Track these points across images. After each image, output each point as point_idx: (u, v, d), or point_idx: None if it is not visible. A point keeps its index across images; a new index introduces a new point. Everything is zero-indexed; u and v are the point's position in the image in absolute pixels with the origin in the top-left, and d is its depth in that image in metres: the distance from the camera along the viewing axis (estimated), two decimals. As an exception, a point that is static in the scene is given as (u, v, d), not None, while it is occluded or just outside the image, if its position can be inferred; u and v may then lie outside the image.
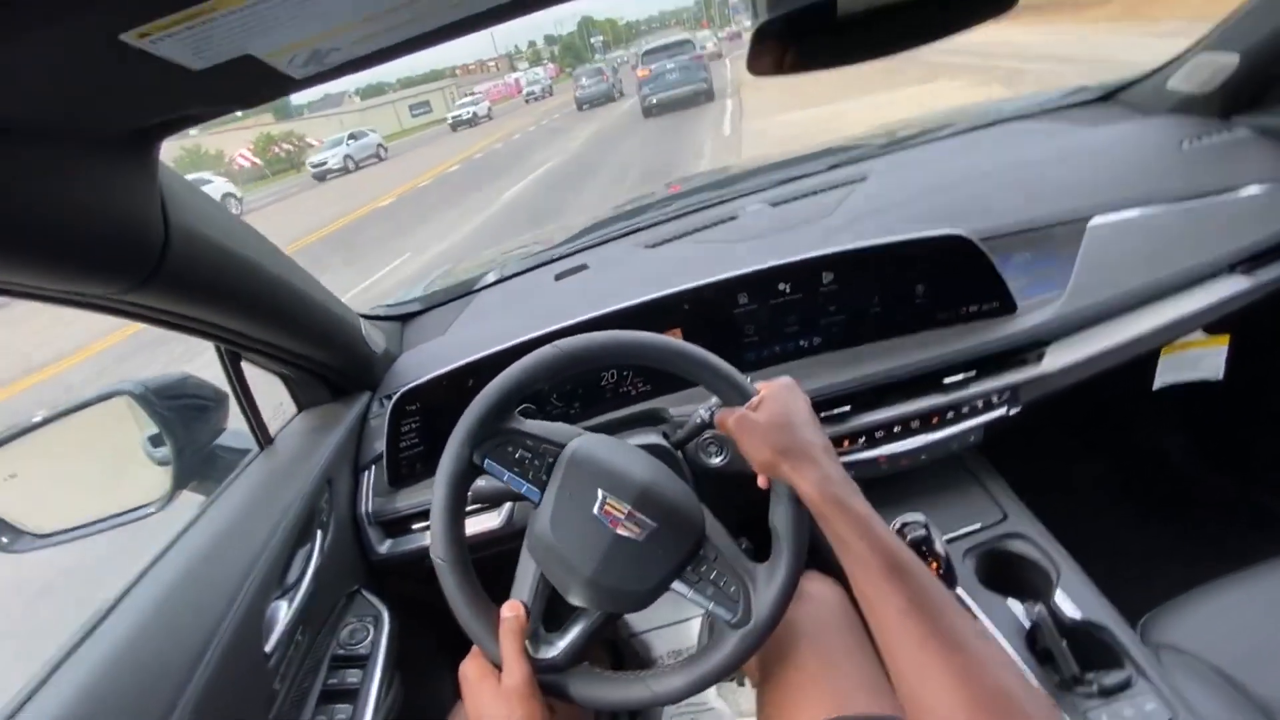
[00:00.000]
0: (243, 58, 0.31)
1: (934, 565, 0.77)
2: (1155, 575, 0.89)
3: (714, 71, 14.57)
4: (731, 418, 0.65)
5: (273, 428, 0.92)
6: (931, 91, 7.98)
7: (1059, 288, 0.94)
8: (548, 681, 0.60)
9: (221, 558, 0.69)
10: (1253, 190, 0.98)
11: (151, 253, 0.48)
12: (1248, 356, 1.01)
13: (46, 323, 7.12)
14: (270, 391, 0.99)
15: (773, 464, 0.60)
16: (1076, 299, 0.91)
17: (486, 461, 0.63)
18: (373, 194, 13.05)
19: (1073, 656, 0.70)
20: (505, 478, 0.63)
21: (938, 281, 0.92)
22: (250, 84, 0.37)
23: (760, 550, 0.67)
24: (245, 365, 0.84)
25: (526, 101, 34.91)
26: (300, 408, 1.00)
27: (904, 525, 0.79)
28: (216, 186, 16.42)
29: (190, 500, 0.88)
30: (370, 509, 0.92)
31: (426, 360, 1.08)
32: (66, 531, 0.82)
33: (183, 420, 0.87)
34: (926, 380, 0.91)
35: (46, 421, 0.79)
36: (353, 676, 0.79)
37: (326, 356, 0.91)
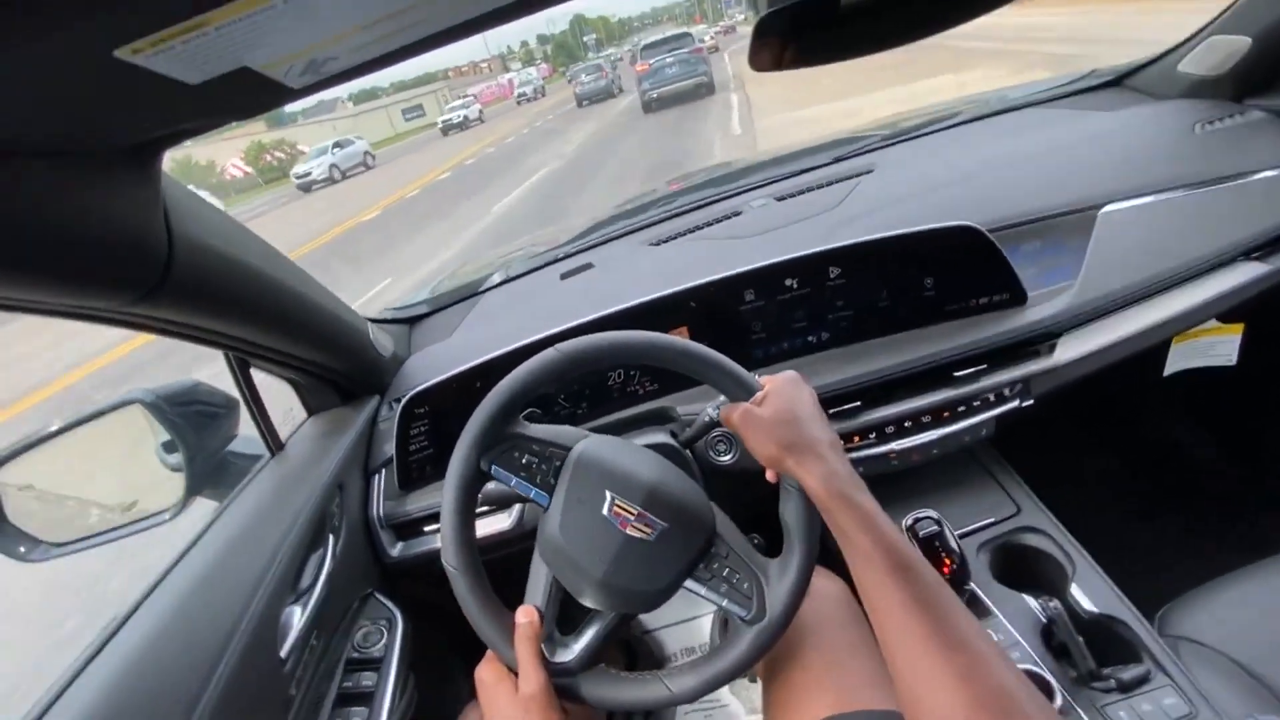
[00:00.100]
0: (239, 70, 0.31)
1: (947, 561, 0.76)
2: (1170, 567, 0.88)
3: (712, 65, 14.27)
4: (736, 413, 0.64)
5: (283, 433, 0.93)
6: (963, 82, 7.48)
7: (1070, 277, 0.92)
8: (564, 685, 0.60)
9: (235, 564, 0.70)
10: (1268, 175, 0.97)
11: (156, 264, 0.48)
12: (1262, 344, 0.99)
13: (57, 336, 7.17)
14: (280, 396, 1.00)
15: (779, 459, 0.60)
16: (1088, 289, 0.90)
17: (494, 468, 0.63)
18: (359, 205, 12.37)
19: (1089, 652, 0.70)
20: (513, 483, 0.63)
21: (947, 274, 0.91)
22: (248, 95, 0.36)
23: (772, 546, 0.66)
24: (255, 372, 0.84)
25: (518, 103, 34.13)
26: (310, 412, 1.00)
27: (916, 522, 0.79)
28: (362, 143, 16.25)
29: (204, 507, 0.89)
30: (381, 512, 0.93)
31: (434, 363, 1.08)
32: (82, 540, 0.82)
33: (194, 427, 0.87)
34: (937, 374, 0.90)
35: (60, 432, 0.80)
36: (368, 679, 0.79)
37: (334, 361, 0.92)
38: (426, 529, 0.93)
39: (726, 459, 0.92)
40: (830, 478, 0.56)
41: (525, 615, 0.61)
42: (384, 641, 0.83)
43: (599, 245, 1.33)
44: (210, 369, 0.88)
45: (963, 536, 0.86)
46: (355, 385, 1.00)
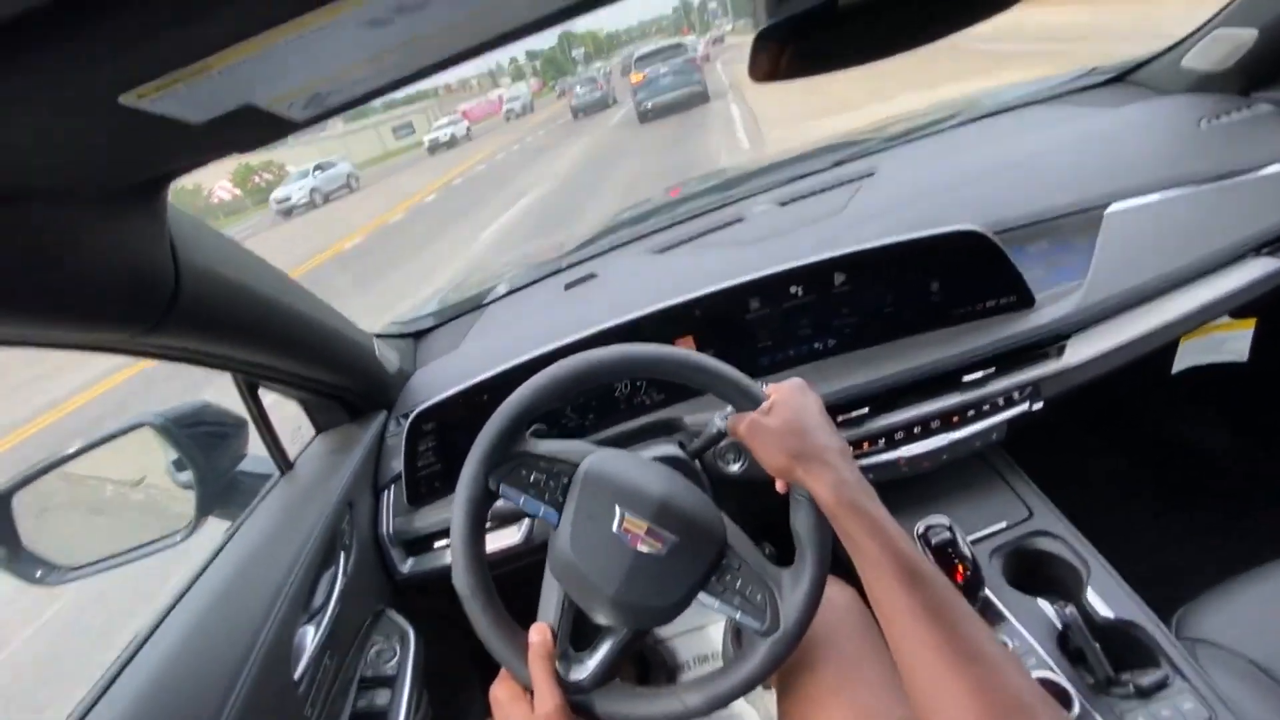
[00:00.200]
0: (243, 108, 0.31)
1: (960, 568, 0.76)
2: (1186, 568, 0.87)
3: (706, 74, 14.05)
4: (743, 424, 0.64)
5: (292, 451, 0.93)
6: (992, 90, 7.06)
7: (1078, 278, 0.92)
8: (580, 702, 0.60)
9: (247, 586, 0.70)
10: (1276, 169, 0.96)
11: (163, 296, 0.49)
12: (1274, 339, 0.98)
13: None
14: (290, 414, 1.00)
15: (787, 468, 0.60)
16: (1096, 290, 0.89)
17: (502, 487, 0.63)
18: (339, 231, 11.48)
19: (1106, 657, 0.69)
20: (521, 501, 0.63)
21: (953, 278, 0.91)
22: (252, 131, 0.37)
23: (784, 555, 0.66)
24: (263, 391, 0.84)
25: (506, 119, 33.32)
26: (318, 430, 1.01)
27: (928, 529, 0.78)
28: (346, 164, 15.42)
29: (216, 526, 0.89)
30: (392, 529, 0.93)
31: (440, 377, 1.08)
32: (96, 564, 0.83)
33: (204, 448, 0.88)
34: (945, 379, 0.90)
35: (71, 456, 0.80)
36: (381, 697, 0.79)
37: (341, 379, 0.92)
38: (437, 545, 0.93)
39: (735, 469, 0.92)
40: (840, 486, 0.56)
41: (538, 634, 0.61)
42: (397, 659, 0.83)
43: (602, 255, 1.33)
44: (221, 379, 0.88)
45: (975, 542, 0.85)
46: (362, 402, 1.00)
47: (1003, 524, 0.88)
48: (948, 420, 0.90)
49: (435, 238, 8.66)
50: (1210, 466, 1.36)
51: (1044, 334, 0.88)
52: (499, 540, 0.92)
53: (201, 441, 0.88)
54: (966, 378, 0.89)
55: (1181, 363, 1.00)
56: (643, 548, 0.60)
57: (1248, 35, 1.02)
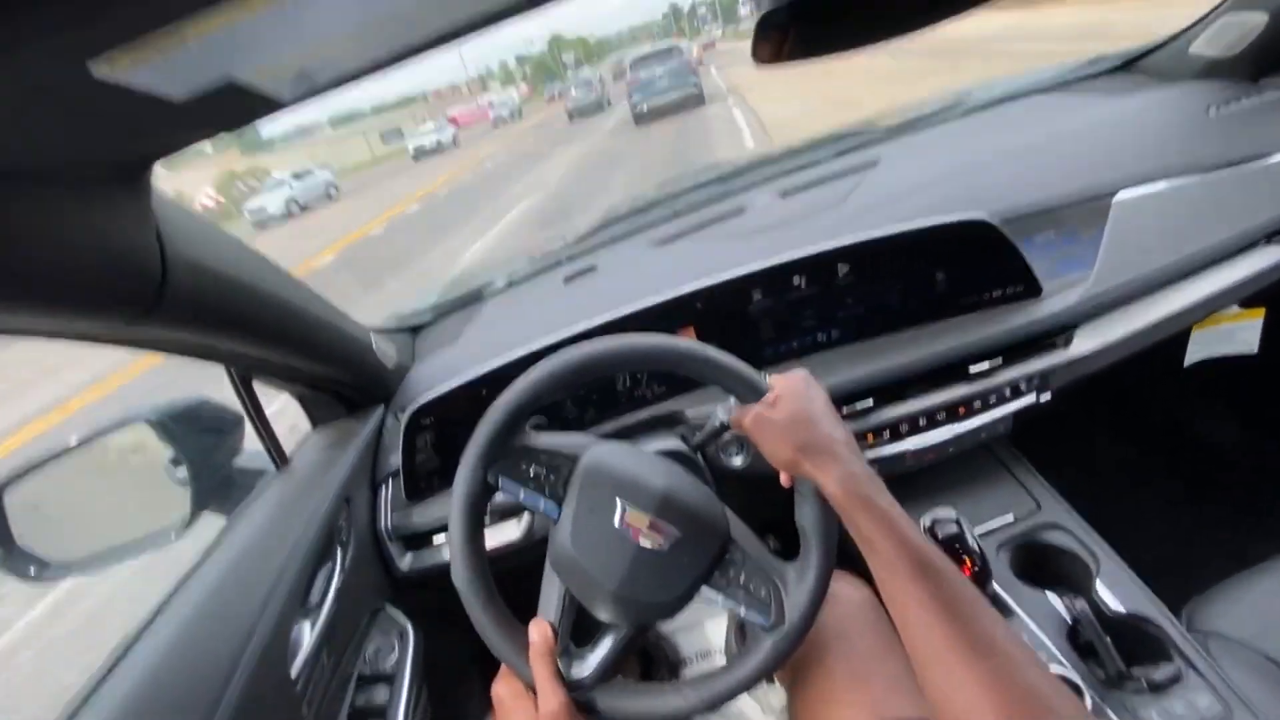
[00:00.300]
0: (226, 84, 0.30)
1: (967, 562, 0.74)
2: (1196, 561, 0.86)
3: (701, 78, 13.78)
4: (748, 417, 0.63)
5: (289, 445, 0.92)
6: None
7: (1085, 267, 0.90)
8: (583, 700, 0.59)
9: (242, 582, 0.69)
10: None
11: (151, 283, 0.47)
12: None
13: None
14: (285, 408, 0.99)
15: (794, 462, 0.58)
16: (1104, 279, 0.88)
17: (501, 480, 0.62)
18: (314, 246, 10.39)
19: (1117, 651, 0.68)
20: (521, 495, 0.62)
21: (959, 267, 0.89)
22: (237, 108, 0.35)
23: (788, 549, 0.65)
24: (258, 385, 0.83)
25: (495, 125, 32.28)
26: (314, 425, 1.00)
27: (935, 522, 0.77)
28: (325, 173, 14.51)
29: (211, 523, 0.88)
30: (390, 524, 0.92)
31: (439, 371, 1.07)
32: (90, 560, 0.82)
33: (199, 444, 0.87)
34: (951, 370, 0.88)
35: (64, 452, 0.79)
36: (380, 695, 0.78)
37: (337, 373, 0.91)
38: (437, 540, 0.92)
39: (738, 462, 0.90)
40: (848, 479, 0.55)
41: (538, 632, 0.60)
42: (396, 656, 0.82)
43: (602, 247, 1.32)
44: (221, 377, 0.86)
45: (982, 536, 0.84)
46: (359, 396, 0.99)
47: (1010, 517, 0.87)
48: (954, 412, 0.89)
49: (415, 255, 7.93)
50: (1220, 460, 1.34)
51: (1051, 324, 0.87)
52: (499, 535, 0.91)
53: (197, 437, 0.87)
54: (973, 368, 0.88)
55: (1193, 356, 0.99)
56: (645, 542, 0.58)
57: (1258, 20, 1.00)
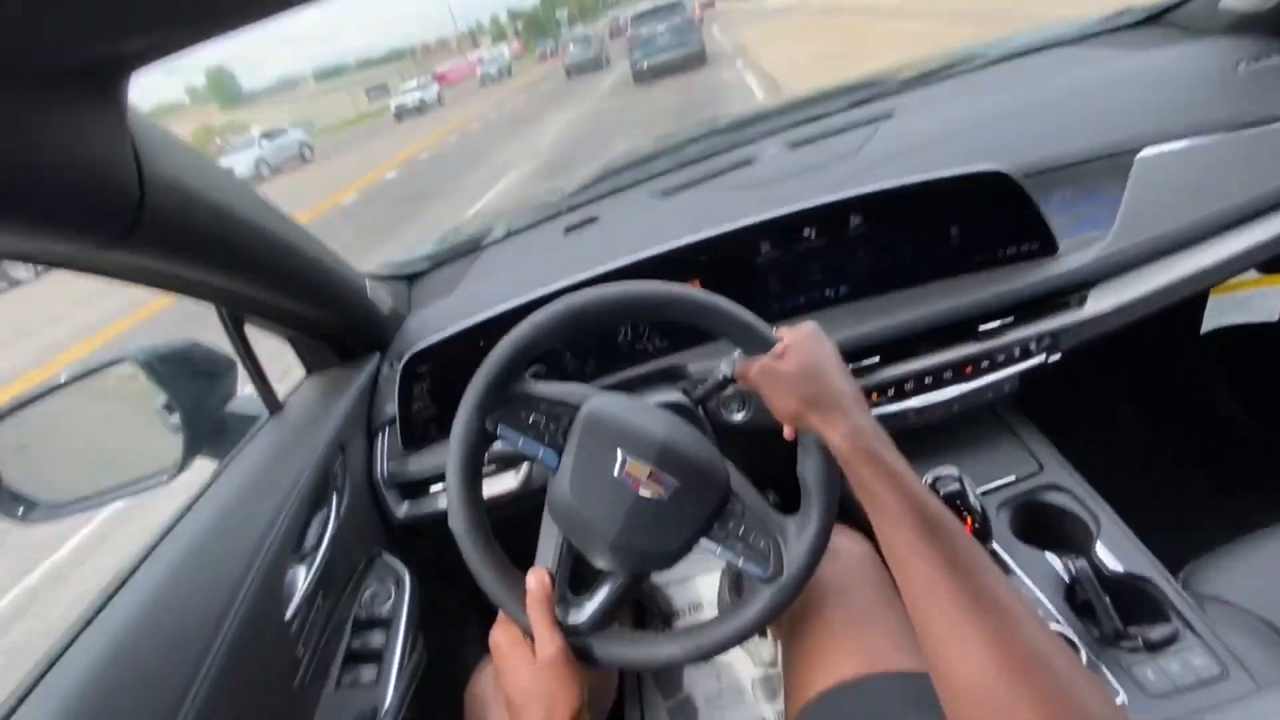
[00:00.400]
0: None
1: (968, 520, 0.74)
2: (1196, 525, 0.86)
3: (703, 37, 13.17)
4: (754, 368, 0.61)
5: (281, 391, 0.90)
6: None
7: (1103, 226, 0.88)
8: (580, 646, 0.59)
9: (235, 526, 0.68)
10: None
11: (127, 205, 0.44)
12: None
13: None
14: (279, 355, 0.97)
15: (800, 415, 0.57)
16: (1123, 237, 0.85)
17: (500, 428, 0.60)
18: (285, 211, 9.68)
19: (1115, 611, 0.68)
20: (520, 443, 0.60)
21: (973, 222, 0.87)
22: (237, 5, 0.32)
23: (787, 504, 0.64)
24: (251, 330, 0.81)
25: (482, 83, 30.01)
26: (308, 371, 0.98)
27: (936, 480, 0.76)
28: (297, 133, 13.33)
29: (203, 467, 0.87)
30: (386, 472, 0.91)
31: (435, 320, 1.04)
32: (79, 501, 0.81)
33: (191, 387, 0.85)
34: (960, 328, 0.86)
35: (51, 390, 0.77)
36: (376, 639, 0.78)
37: (331, 317, 0.88)
38: (433, 488, 0.91)
39: (739, 417, 0.89)
40: (855, 433, 0.54)
41: (536, 579, 0.59)
42: (392, 601, 0.82)
43: (604, 198, 1.28)
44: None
45: (983, 495, 0.83)
46: (354, 343, 0.97)
47: (1012, 477, 0.86)
48: (960, 371, 0.87)
49: (388, 229, 7.19)
50: (1229, 430, 1.33)
51: (1066, 282, 0.85)
52: (496, 485, 0.90)
53: (190, 381, 0.85)
54: (982, 327, 0.86)
55: (1210, 323, 0.97)
56: (644, 492, 0.58)
57: None
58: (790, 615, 0.77)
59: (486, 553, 0.60)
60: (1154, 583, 0.71)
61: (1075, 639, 0.67)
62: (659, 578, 1.36)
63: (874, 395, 0.88)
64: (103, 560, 2.99)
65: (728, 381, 0.73)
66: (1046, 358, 0.87)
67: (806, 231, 0.88)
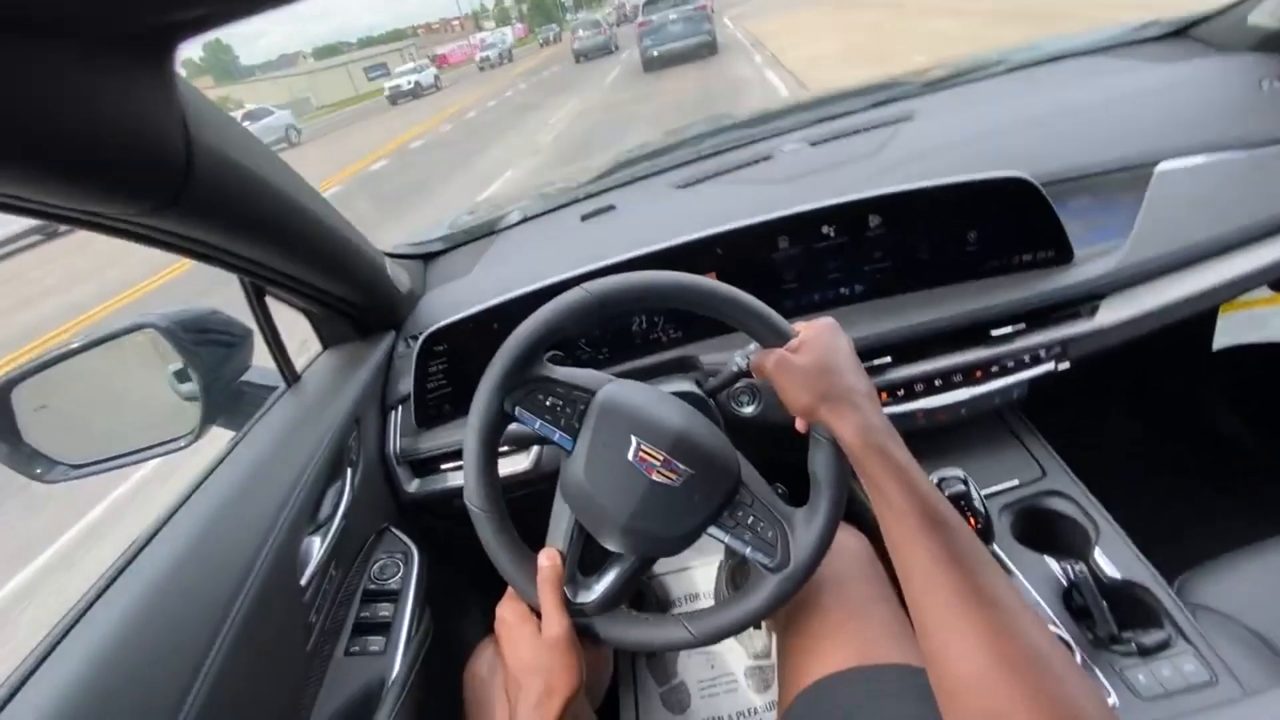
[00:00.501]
0: None
1: (972, 521, 0.75)
2: (1193, 536, 0.87)
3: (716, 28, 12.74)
4: (771, 360, 0.62)
5: (298, 364, 0.91)
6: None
7: (1119, 237, 0.88)
8: (584, 625, 0.60)
9: (254, 493, 0.69)
10: None
11: (174, 172, 0.45)
12: None
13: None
14: (295, 328, 0.98)
15: (812, 408, 0.58)
16: (1139, 250, 0.86)
17: (517, 409, 0.61)
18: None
19: (1111, 615, 0.70)
20: (536, 425, 0.61)
21: (992, 228, 0.87)
22: None
23: (793, 497, 0.65)
24: (271, 302, 0.82)
25: (480, 68, 28.96)
26: (325, 345, 0.99)
27: (942, 480, 0.78)
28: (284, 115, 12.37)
29: (217, 435, 0.88)
30: (399, 449, 0.92)
31: (451, 300, 1.05)
32: (98, 463, 0.82)
33: (209, 355, 0.86)
34: (972, 332, 0.87)
35: (73, 353, 0.78)
36: (385, 610, 0.80)
37: (352, 293, 0.89)
38: (444, 467, 0.93)
39: (749, 410, 0.90)
40: (866, 429, 0.55)
41: (548, 558, 0.60)
42: (400, 574, 0.84)
43: (621, 186, 1.28)
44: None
45: (987, 497, 0.85)
46: (371, 319, 0.98)
47: (1015, 481, 0.88)
48: (970, 375, 0.88)
49: (378, 225, 6.49)
50: (1232, 449, 1.34)
51: (1079, 292, 0.86)
52: (507, 466, 0.91)
53: (207, 348, 0.86)
54: (995, 332, 0.87)
55: (1221, 341, 0.98)
56: (657, 478, 0.59)
57: None
58: (786, 606, 0.78)
59: (501, 530, 0.61)
60: (1149, 590, 0.73)
61: (1071, 641, 0.69)
62: (657, 566, 1.37)
63: (884, 395, 0.89)
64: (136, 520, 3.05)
65: (742, 374, 0.74)
66: (1056, 366, 0.87)
67: (825, 229, 0.89)
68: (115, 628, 0.52)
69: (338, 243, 0.79)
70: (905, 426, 0.90)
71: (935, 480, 0.80)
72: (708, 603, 1.30)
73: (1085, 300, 0.86)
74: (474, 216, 1.42)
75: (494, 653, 0.83)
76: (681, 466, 0.59)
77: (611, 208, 1.19)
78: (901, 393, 0.89)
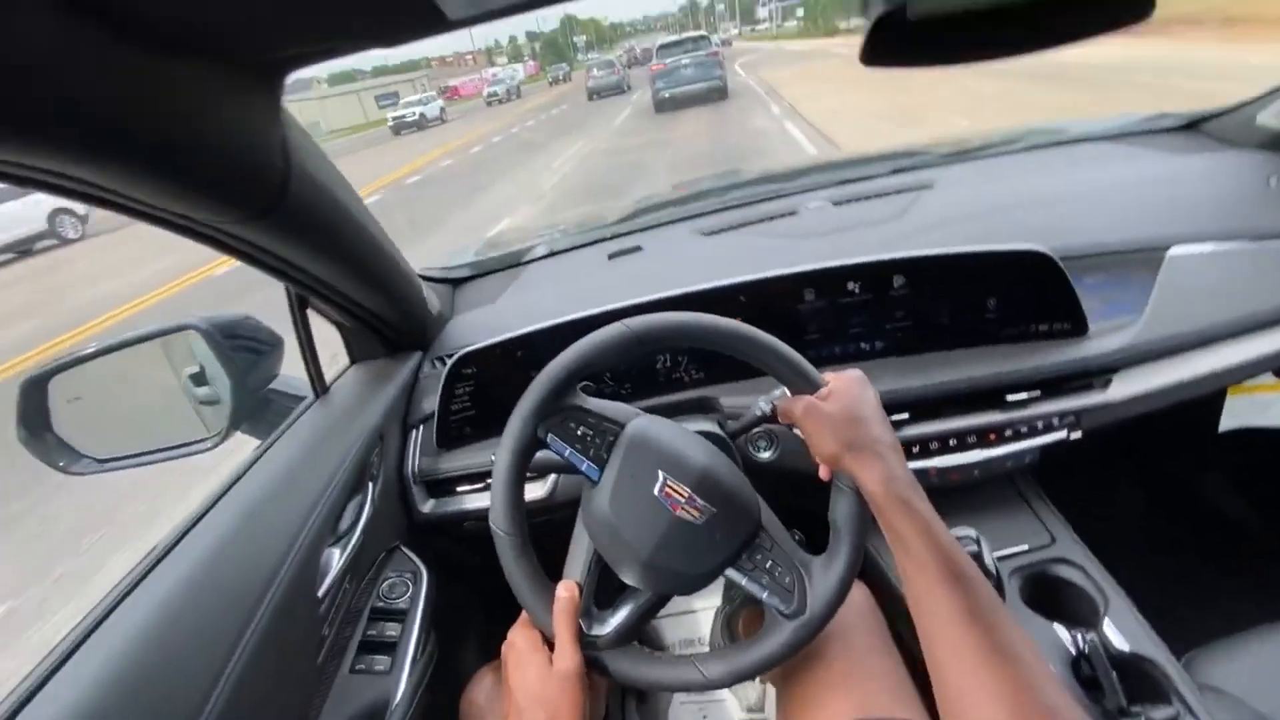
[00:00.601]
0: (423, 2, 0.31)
1: (984, 581, 0.76)
2: (1201, 613, 0.87)
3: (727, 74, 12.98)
4: (800, 406, 0.64)
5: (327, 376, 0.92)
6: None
7: (1131, 313, 0.91)
8: (595, 659, 0.60)
9: (283, 499, 0.70)
10: None
11: (271, 189, 0.48)
12: None
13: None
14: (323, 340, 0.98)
15: (838, 457, 0.59)
16: (1152, 328, 0.89)
17: (550, 436, 0.62)
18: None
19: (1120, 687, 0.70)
20: (566, 453, 0.62)
21: (1011, 297, 0.90)
22: (401, 18, 0.36)
23: (810, 546, 0.66)
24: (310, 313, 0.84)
25: (488, 103, 28.83)
26: (352, 359, 1.00)
27: (955, 540, 0.79)
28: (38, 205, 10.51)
29: (240, 441, 0.89)
30: (417, 468, 0.93)
31: (478, 326, 1.08)
32: (123, 459, 0.83)
33: (241, 361, 0.87)
34: (988, 396, 0.89)
35: (115, 348, 0.80)
36: (392, 629, 0.79)
37: (391, 312, 0.91)
38: (459, 489, 0.93)
39: (766, 455, 0.92)
40: (891, 480, 0.56)
41: (566, 590, 0.61)
42: (409, 594, 0.83)
43: (647, 229, 1.32)
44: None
45: (998, 560, 0.85)
46: (402, 338, 1.00)
47: (1025, 546, 0.89)
48: (984, 437, 0.90)
49: None
50: (1237, 530, 1.35)
51: (1093, 364, 0.88)
52: (526, 493, 0.92)
53: (240, 354, 0.88)
54: (1010, 397, 0.89)
55: (1227, 421, 1.00)
56: (682, 514, 0.59)
57: None
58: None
59: (522, 555, 0.62)
60: (1158, 665, 0.73)
61: (1083, 707, 0.69)
62: None
63: None
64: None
65: (765, 418, 0.76)
66: (1069, 435, 0.89)
67: (852, 285, 0.92)
68: (141, 627, 0.52)
69: (388, 264, 0.82)
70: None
71: None
72: (703, 649, 1.28)
73: (1099, 373, 0.89)
74: (499, 247, 1.46)
75: (493, 681, 0.82)
76: (705, 505, 0.60)
77: (638, 249, 1.23)
78: (916, 450, 0.91)
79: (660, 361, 0.96)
